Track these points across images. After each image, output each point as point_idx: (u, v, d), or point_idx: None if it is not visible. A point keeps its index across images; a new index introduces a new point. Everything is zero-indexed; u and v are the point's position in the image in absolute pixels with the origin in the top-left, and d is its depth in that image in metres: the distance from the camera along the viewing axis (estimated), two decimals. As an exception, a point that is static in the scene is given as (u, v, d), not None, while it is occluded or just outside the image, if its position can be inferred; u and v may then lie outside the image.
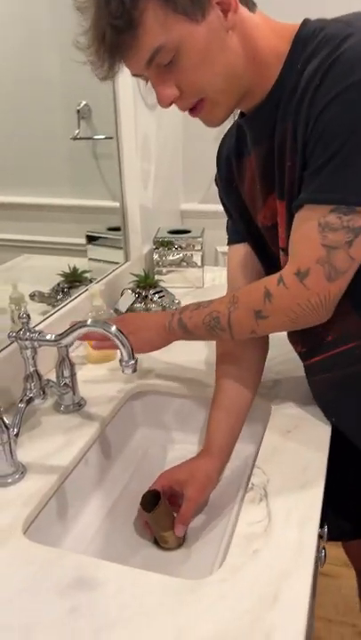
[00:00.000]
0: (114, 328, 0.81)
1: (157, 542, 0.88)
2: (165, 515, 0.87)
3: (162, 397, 1.11)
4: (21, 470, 0.85)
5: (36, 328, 1.10)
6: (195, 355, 1.20)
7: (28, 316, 0.87)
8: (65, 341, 0.85)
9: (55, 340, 0.86)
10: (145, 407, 1.11)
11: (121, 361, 0.82)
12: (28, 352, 0.89)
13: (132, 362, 0.82)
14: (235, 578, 0.66)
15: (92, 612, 0.63)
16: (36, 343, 0.87)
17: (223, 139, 0.98)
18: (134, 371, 0.83)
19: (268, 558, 0.69)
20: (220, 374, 0.99)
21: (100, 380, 1.11)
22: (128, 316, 1.08)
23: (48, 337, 0.87)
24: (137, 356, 0.83)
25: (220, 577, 0.67)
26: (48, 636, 0.60)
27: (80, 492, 0.92)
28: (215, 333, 0.88)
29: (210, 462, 0.90)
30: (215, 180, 1.00)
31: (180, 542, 0.88)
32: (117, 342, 0.81)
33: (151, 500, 0.87)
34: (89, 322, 0.83)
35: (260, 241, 0.92)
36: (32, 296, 1.30)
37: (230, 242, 1.00)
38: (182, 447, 1.08)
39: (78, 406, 1.01)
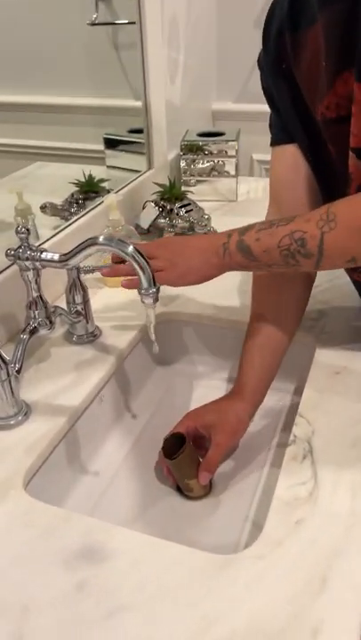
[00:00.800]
0: (131, 248, 0.66)
1: (181, 490, 0.78)
2: (190, 460, 0.76)
3: (188, 327, 0.97)
4: (25, 411, 0.74)
5: (45, 245, 0.96)
6: (227, 278, 1.04)
7: (28, 230, 0.72)
8: (72, 262, 0.70)
9: (60, 261, 0.72)
10: (169, 338, 0.97)
11: (140, 289, 0.68)
12: (30, 274, 0.74)
13: (153, 290, 0.68)
14: (273, 555, 0.55)
15: (101, 589, 0.52)
16: (38, 264, 0.73)
17: (271, 10, 0.77)
18: (155, 301, 0.69)
19: (315, 531, 0.57)
20: (257, 303, 0.84)
21: (118, 306, 0.98)
22: (168, 241, 0.86)
23: (51, 256, 0.72)
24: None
25: (256, 552, 0.55)
26: (48, 619, 0.50)
27: (92, 436, 0.81)
28: (295, 261, 0.69)
29: (241, 404, 0.78)
30: (258, 62, 0.80)
31: (207, 491, 0.77)
32: (134, 266, 0.66)
33: (174, 444, 0.76)
34: (101, 238, 0.68)
35: (317, 141, 0.74)
36: (43, 208, 1.15)
37: (275, 142, 0.81)
38: (210, 384, 0.96)
39: (92, 337, 0.88)
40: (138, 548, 0.57)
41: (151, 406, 0.91)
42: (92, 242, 0.68)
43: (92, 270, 0.84)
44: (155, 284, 0.68)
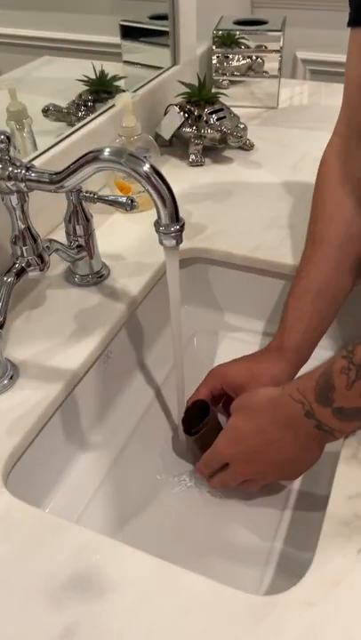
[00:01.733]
0: (146, 167, 0.47)
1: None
2: (214, 434, 0.61)
3: (216, 267, 0.79)
4: (10, 374, 0.58)
5: (43, 157, 0.77)
6: (266, 206, 0.85)
7: (8, 138, 0.53)
8: (68, 184, 0.52)
9: (52, 182, 0.53)
10: (192, 280, 0.80)
11: (158, 225, 0.50)
12: (14, 199, 0.56)
13: (176, 227, 0.50)
14: (328, 600, 0.41)
15: (96, 637, 0.39)
16: (22, 185, 0.55)
17: None
18: (178, 242, 0.51)
19: (384, 568, 0.43)
20: (312, 240, 0.66)
21: (130, 239, 0.80)
22: (237, 436, 0.56)
23: (39, 175, 0.54)
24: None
25: (305, 596, 0.41)
26: None
27: (94, 405, 0.66)
28: None
29: (280, 364, 0.62)
30: None
31: None
32: (150, 192, 0.48)
33: (197, 414, 0.62)
34: (105, 152, 0.49)
35: None
36: (45, 111, 0.95)
37: (356, 21, 0.59)
38: (240, 338, 0.79)
39: (98, 277, 0.72)
40: (147, 577, 0.43)
41: (167, 364, 0.75)
42: (93, 156, 0.50)
43: (99, 199, 0.65)
44: (178, 219, 0.49)
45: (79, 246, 0.68)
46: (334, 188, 0.65)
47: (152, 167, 0.48)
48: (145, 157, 0.49)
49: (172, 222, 0.49)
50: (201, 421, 0.61)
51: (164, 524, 0.59)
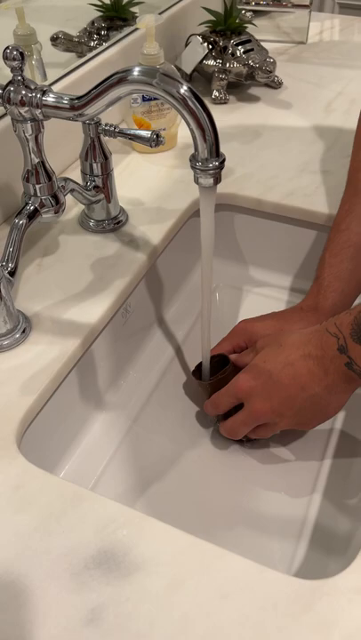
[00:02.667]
0: (183, 88, 0.41)
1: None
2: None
3: (243, 216, 0.73)
4: (22, 327, 0.53)
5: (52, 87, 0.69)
6: (297, 150, 0.78)
7: (22, 54, 0.46)
8: (90, 110, 0.45)
9: (72, 108, 0.46)
10: (217, 230, 0.73)
11: (194, 160, 0.43)
12: (28, 128, 0.49)
13: (215, 164, 0.43)
14: (383, 587, 0.37)
15: (123, 624, 0.35)
16: (38, 112, 0.48)
17: None
18: (217, 182, 0.44)
19: None
20: (353, 189, 0.60)
21: (149, 183, 0.73)
22: (258, 369, 0.52)
23: (58, 100, 0.47)
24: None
25: (355, 579, 0.37)
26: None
27: (112, 362, 0.61)
28: None
29: (313, 322, 0.56)
30: None
31: None
32: (188, 121, 0.41)
33: (213, 368, 0.58)
34: (135, 71, 0.42)
35: None
36: (54, 40, 0.86)
37: None
38: (267, 294, 0.73)
39: (116, 224, 0.65)
40: (180, 556, 0.38)
41: (188, 320, 0.70)
42: (120, 77, 0.43)
43: (120, 133, 0.58)
44: (218, 153, 0.43)
45: (96, 187, 0.61)
46: None
47: (190, 89, 0.41)
48: (181, 79, 0.41)
49: (212, 157, 0.43)
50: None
51: (185, 490, 0.55)
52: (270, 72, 0.86)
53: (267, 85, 0.92)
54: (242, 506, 0.54)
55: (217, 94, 0.88)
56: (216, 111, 0.87)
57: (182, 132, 0.79)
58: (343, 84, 0.91)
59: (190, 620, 0.35)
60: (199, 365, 0.59)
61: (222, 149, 0.78)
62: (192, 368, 0.60)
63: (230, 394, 0.53)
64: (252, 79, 0.88)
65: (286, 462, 0.57)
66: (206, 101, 0.92)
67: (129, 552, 0.38)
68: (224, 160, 0.43)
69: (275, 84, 0.92)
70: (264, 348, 0.52)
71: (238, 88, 0.91)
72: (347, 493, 0.54)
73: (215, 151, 0.42)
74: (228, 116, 0.86)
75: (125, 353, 0.64)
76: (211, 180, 0.44)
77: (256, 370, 0.51)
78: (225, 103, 0.88)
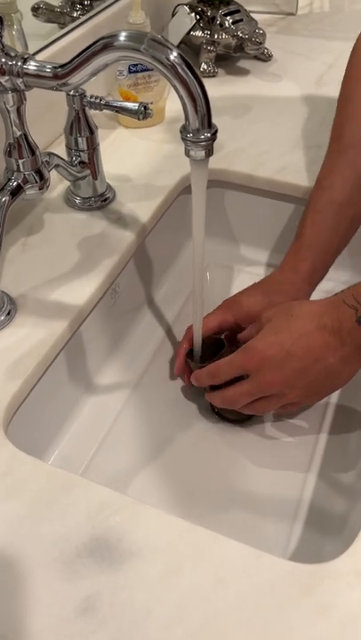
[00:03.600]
0: (173, 54, 0.38)
1: (218, 412, 0.58)
2: None
3: (234, 192, 0.71)
4: (7, 309, 0.51)
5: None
6: (289, 124, 0.75)
7: (1, 20, 0.43)
8: (74, 79, 0.43)
9: (55, 77, 0.44)
10: (207, 207, 0.71)
11: (185, 132, 0.41)
12: (9, 99, 0.47)
13: (207, 135, 0.41)
14: (384, 569, 0.36)
15: (119, 613, 0.34)
16: (19, 81, 0.45)
17: None
18: (209, 154, 0.43)
19: None
20: (337, 145, 0.58)
21: (137, 158, 0.70)
22: (265, 342, 0.50)
23: (40, 68, 0.44)
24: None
25: (354, 562, 0.36)
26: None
27: (101, 345, 0.60)
28: None
29: (298, 285, 0.57)
30: None
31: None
32: (178, 89, 0.39)
33: (209, 350, 0.56)
34: (121, 36, 0.40)
35: None
36: (36, 9, 0.83)
37: None
38: (259, 272, 0.72)
39: (103, 201, 0.63)
40: (175, 542, 0.37)
41: (179, 300, 0.68)
42: (105, 43, 0.40)
43: (106, 106, 0.55)
44: (210, 124, 0.41)
45: (82, 162, 0.59)
46: None
47: (181, 56, 0.39)
48: (172, 44, 0.39)
49: (204, 128, 0.41)
50: (213, 356, 0.55)
51: (179, 474, 0.54)
52: (260, 44, 0.83)
53: (256, 58, 0.89)
54: (236, 488, 0.53)
55: (205, 67, 0.85)
56: (205, 85, 0.85)
57: (170, 106, 0.76)
58: (334, 56, 0.89)
59: (187, 607, 0.34)
60: (192, 348, 0.57)
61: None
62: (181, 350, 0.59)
63: (236, 365, 0.51)
64: (242, 51, 0.85)
65: (280, 442, 0.56)
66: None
67: (122, 539, 0.37)
68: (216, 131, 0.41)
69: (264, 57, 0.89)
70: (272, 319, 0.50)
71: (227, 61, 0.89)
72: (342, 472, 0.53)
73: (207, 121, 0.40)
74: (217, 90, 0.83)
75: (115, 335, 0.62)
76: (202, 153, 0.42)
77: (266, 341, 0.49)
78: (214, 76, 0.86)
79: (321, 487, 0.52)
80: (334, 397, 0.59)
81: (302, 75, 0.86)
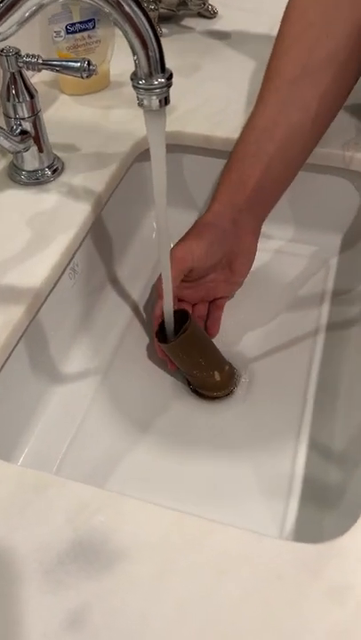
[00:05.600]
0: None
1: (195, 390, 0.55)
2: (196, 342, 0.52)
3: (191, 157, 0.66)
4: None
5: None
6: (242, 81, 0.71)
7: None
8: (3, 27, 0.37)
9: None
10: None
11: (136, 78, 0.36)
12: None
13: (161, 80, 0.36)
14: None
15: (110, 624, 0.30)
16: None
17: None
18: (164, 103, 0.38)
19: None
20: (266, 78, 0.55)
21: (83, 126, 0.65)
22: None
23: None
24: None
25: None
26: None
27: (64, 329, 0.55)
28: None
29: (251, 220, 0.55)
30: None
31: (227, 385, 0.54)
32: (125, 29, 0.35)
33: (176, 325, 0.52)
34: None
35: None
36: None
37: None
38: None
39: (52, 174, 0.58)
40: (165, 536, 0.34)
41: (142, 277, 0.64)
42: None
43: (45, 65, 0.50)
44: (163, 68, 0.36)
45: (23, 132, 0.54)
46: (301, 13, 0.54)
47: (126, -10, 0.34)
48: None
49: (157, 72, 0.36)
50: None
51: (160, 461, 0.50)
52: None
53: (200, 15, 0.84)
54: (224, 469, 0.49)
55: (148, 27, 0.80)
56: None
57: (115, 70, 0.71)
58: (281, 10, 0.85)
59: (187, 607, 0.31)
60: (161, 325, 0.53)
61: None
62: (154, 328, 0.55)
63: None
64: (185, 8, 0.80)
65: (265, 416, 0.53)
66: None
67: (108, 540, 0.33)
68: (171, 75, 0.37)
69: (209, 14, 0.84)
70: None
71: (171, 20, 0.83)
72: (333, 440, 0.50)
73: (160, 65, 0.36)
74: (164, 50, 0.78)
75: (78, 318, 0.57)
76: (156, 102, 0.37)
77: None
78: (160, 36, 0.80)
79: (313, 459, 0.49)
80: (316, 364, 0.56)
81: (250, 30, 0.82)
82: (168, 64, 0.76)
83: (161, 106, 0.38)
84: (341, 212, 0.65)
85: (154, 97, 0.37)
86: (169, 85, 0.37)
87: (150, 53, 0.35)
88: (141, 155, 0.64)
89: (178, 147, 0.65)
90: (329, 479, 0.47)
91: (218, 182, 0.55)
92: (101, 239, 0.60)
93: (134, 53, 0.36)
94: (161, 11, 0.80)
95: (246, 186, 0.53)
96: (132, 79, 0.37)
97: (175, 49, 0.78)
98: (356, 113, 0.64)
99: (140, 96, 0.37)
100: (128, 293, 0.63)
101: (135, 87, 0.37)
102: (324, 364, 0.56)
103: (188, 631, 0.30)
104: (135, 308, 0.62)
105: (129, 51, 0.36)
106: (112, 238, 0.62)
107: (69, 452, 0.50)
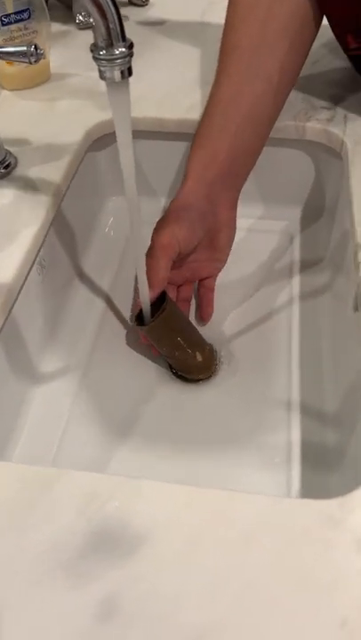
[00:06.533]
0: None
1: (180, 376, 0.54)
2: (174, 324, 0.52)
3: (144, 142, 0.65)
4: None
5: None
6: (183, 65, 0.71)
7: None
8: None
9: None
10: (115, 163, 0.66)
11: (97, 50, 0.35)
12: None
13: (122, 50, 0.35)
14: None
15: (143, 609, 0.29)
16: None
17: None
18: (127, 74, 0.37)
19: None
20: (223, 52, 0.54)
21: (31, 120, 0.63)
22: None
23: None
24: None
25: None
26: None
27: (39, 326, 0.53)
28: None
29: (232, 192, 0.54)
30: None
31: (209, 366, 0.54)
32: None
33: (154, 307, 0.51)
34: None
35: None
36: None
37: None
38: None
39: (4, 169, 0.55)
40: (184, 512, 0.33)
41: (112, 264, 0.62)
42: None
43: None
44: (124, 37, 0.35)
45: (-29, 127, 0.51)
46: None
47: None
48: None
49: (118, 41, 0.35)
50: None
51: (157, 442, 0.49)
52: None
53: (131, 3, 0.84)
54: (221, 444, 0.49)
55: (81, 18, 0.78)
56: (85, 36, 0.78)
57: (55, 62, 0.69)
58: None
59: (221, 579, 0.30)
60: (141, 310, 0.52)
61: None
62: (129, 314, 0.54)
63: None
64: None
65: (253, 390, 0.53)
66: (71, 28, 0.83)
67: (126, 525, 0.32)
68: (132, 45, 0.36)
69: (139, 2, 0.84)
70: None
71: (103, 10, 0.82)
72: (325, 404, 0.50)
73: (120, 34, 0.35)
74: (99, 41, 0.77)
75: (51, 314, 0.55)
76: (118, 73, 0.36)
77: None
78: (91, 26, 0.78)
79: (308, 425, 0.49)
80: (296, 333, 0.57)
81: (184, 14, 0.82)
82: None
83: (124, 77, 0.37)
84: (302, 183, 0.66)
85: (116, 68, 0.36)
86: (131, 55, 0.36)
87: (110, 24, 0.34)
88: (93, 145, 0.63)
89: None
90: (327, 442, 0.48)
91: (187, 160, 0.54)
92: (64, 232, 0.58)
93: (94, 24, 0.34)
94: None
95: (217, 159, 0.52)
96: (92, 50, 0.35)
97: (112, 38, 0.77)
98: (300, 85, 0.65)
99: (102, 68, 0.36)
100: (98, 285, 0.61)
101: (96, 58, 0.35)
102: (303, 332, 0.56)
103: (226, 603, 0.29)
104: (107, 299, 0.60)
105: (67, 42, 0.34)
106: (74, 230, 0.60)
107: (61, 449, 0.48)
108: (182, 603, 0.29)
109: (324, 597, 0.29)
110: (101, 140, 0.63)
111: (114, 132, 0.62)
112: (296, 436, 0.49)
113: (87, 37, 0.77)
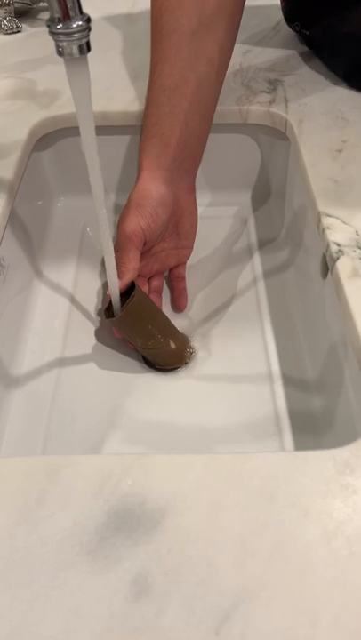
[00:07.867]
0: None
1: (149, 363, 0.54)
2: (144, 313, 0.51)
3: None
4: None
5: None
6: (120, 59, 0.71)
7: None
8: None
9: None
10: (62, 163, 0.65)
11: (54, 24, 0.34)
12: None
13: (80, 23, 0.35)
14: None
15: (177, 581, 0.28)
16: None
17: None
18: (85, 50, 0.36)
19: None
20: (159, 36, 0.54)
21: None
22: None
23: None
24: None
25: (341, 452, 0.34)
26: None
27: (5, 329, 0.51)
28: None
29: (190, 176, 0.55)
30: None
31: (183, 354, 0.54)
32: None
33: (124, 297, 0.50)
34: None
35: None
36: None
37: None
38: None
39: None
40: (201, 479, 0.32)
41: (71, 260, 0.61)
42: None
43: None
44: (81, 11, 0.35)
45: None
46: None
47: None
48: None
49: (75, 15, 0.34)
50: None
51: (147, 428, 0.48)
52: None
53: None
54: (209, 427, 0.48)
55: (7, 23, 0.77)
56: (13, 42, 0.77)
57: (-14, 65, 0.68)
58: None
59: (252, 539, 0.29)
60: (109, 304, 0.51)
61: (40, 75, 0.68)
62: (95, 310, 0.52)
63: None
64: (39, 1, 0.78)
65: (231, 369, 0.52)
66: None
67: (144, 501, 0.31)
68: (90, 19, 0.35)
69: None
70: None
71: (27, 15, 0.81)
72: (306, 372, 0.51)
73: (77, 7, 0.34)
74: (28, 45, 0.75)
75: (15, 316, 0.53)
76: (76, 49, 0.36)
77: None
78: (19, 32, 0.78)
79: (292, 394, 0.50)
80: (265, 309, 0.57)
81: (111, 10, 0.82)
82: (39, 56, 0.75)
83: (82, 52, 0.36)
84: (249, 167, 0.67)
85: (74, 42, 0.35)
86: (89, 29, 0.35)
87: (65, -6, 0.33)
88: (38, 143, 0.61)
89: (73, 130, 0.63)
90: (314, 407, 0.48)
91: (139, 151, 0.53)
92: (21, 230, 0.56)
93: (48, -3, 0.34)
94: (16, 5, 0.78)
95: (169, 146, 0.52)
96: (48, 25, 0.35)
97: (41, 42, 0.76)
98: (238, 72, 0.67)
99: (59, 43, 0.35)
100: (59, 282, 0.59)
101: (53, 33, 0.35)
102: (272, 307, 0.57)
103: (260, 562, 0.28)
104: (71, 296, 0.59)
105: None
106: (28, 230, 0.58)
107: (47, 448, 0.46)
108: (215, 568, 0.28)
109: (359, 545, 0.29)
110: (44, 140, 0.62)
111: (52, 134, 0.62)
112: (282, 406, 0.49)
113: (17, 43, 0.76)
